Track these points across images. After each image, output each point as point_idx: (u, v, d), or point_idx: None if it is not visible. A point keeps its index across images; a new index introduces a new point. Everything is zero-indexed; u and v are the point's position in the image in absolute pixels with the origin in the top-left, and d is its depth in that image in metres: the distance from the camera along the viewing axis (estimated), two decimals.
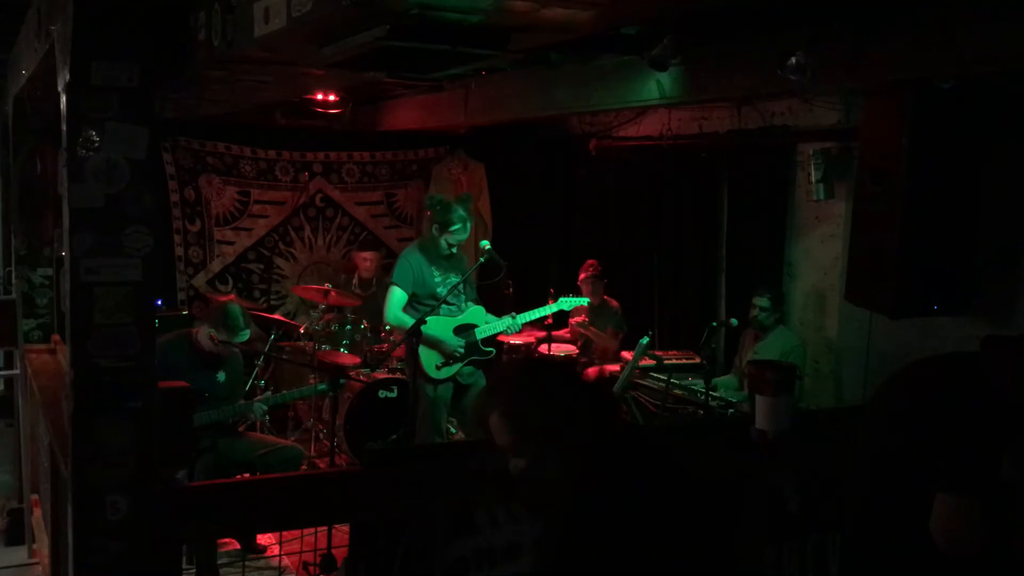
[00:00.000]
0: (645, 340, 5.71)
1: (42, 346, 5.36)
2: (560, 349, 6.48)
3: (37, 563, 4.85)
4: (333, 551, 3.96)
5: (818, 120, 5.73)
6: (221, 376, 4.84)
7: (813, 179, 5.70)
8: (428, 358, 5.24)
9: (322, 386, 5.23)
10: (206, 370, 4.77)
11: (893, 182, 4.03)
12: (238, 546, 4.73)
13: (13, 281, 5.71)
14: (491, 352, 5.52)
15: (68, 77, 2.71)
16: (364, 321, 6.68)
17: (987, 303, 4.57)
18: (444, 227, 5.21)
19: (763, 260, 6.23)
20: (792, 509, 3.51)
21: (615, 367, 6.23)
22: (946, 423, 2.38)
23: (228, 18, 2.86)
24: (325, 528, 3.88)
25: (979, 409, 2.38)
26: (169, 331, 5.09)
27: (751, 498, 3.46)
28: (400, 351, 5.87)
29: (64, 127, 2.72)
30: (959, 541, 2.33)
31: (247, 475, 4.68)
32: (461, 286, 5.34)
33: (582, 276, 6.62)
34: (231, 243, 7.49)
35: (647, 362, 5.81)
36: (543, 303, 6.08)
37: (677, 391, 5.53)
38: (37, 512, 5.02)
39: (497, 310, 5.63)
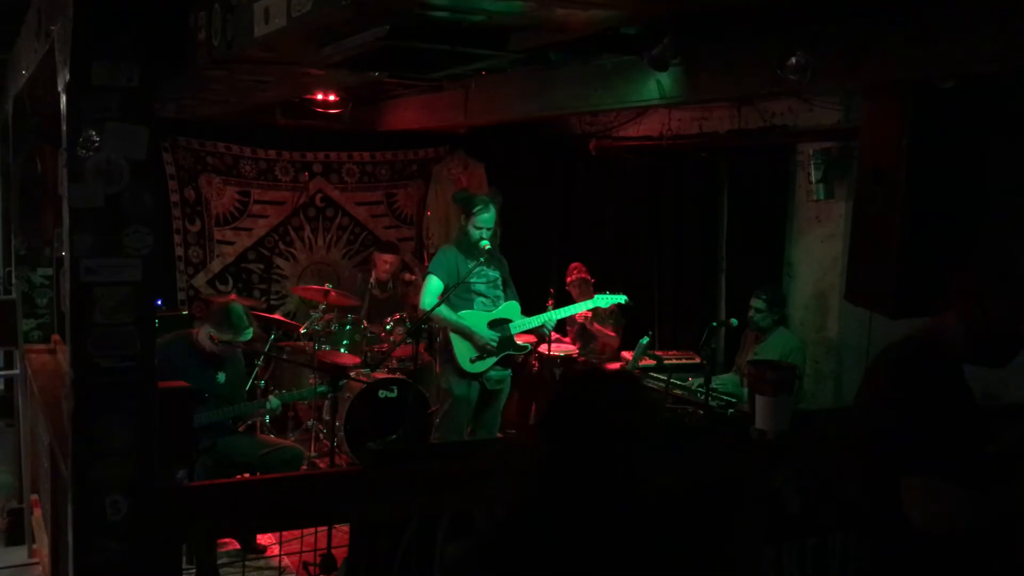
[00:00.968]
0: (645, 340, 5.72)
1: (42, 346, 5.36)
2: (559, 349, 6.48)
3: (37, 563, 4.85)
4: (333, 551, 3.96)
5: (818, 120, 5.73)
6: (221, 377, 4.84)
7: (813, 179, 5.70)
8: (462, 351, 5.29)
9: (321, 388, 5.23)
10: (206, 370, 4.77)
11: (893, 182, 4.02)
12: (238, 546, 4.73)
13: (13, 281, 5.71)
14: (526, 348, 5.60)
15: (68, 77, 2.71)
16: (364, 321, 6.68)
17: None
18: (469, 213, 5.32)
19: (763, 260, 6.23)
20: (792, 509, 3.51)
21: (616, 367, 6.23)
22: (903, 404, 2.39)
23: (228, 18, 2.86)
24: (325, 528, 3.88)
25: (935, 387, 2.40)
26: (169, 331, 5.10)
27: (751, 498, 3.46)
28: (407, 351, 5.89)
29: (64, 127, 2.73)
30: (932, 523, 2.35)
31: (247, 475, 4.68)
32: (499, 281, 5.44)
33: (569, 280, 6.65)
34: (231, 243, 7.48)
35: (647, 362, 5.81)
36: (543, 302, 6.09)
37: (677, 391, 5.53)
38: (37, 512, 5.02)
39: None
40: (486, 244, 5.36)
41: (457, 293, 5.30)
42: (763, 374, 3.47)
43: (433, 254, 7.87)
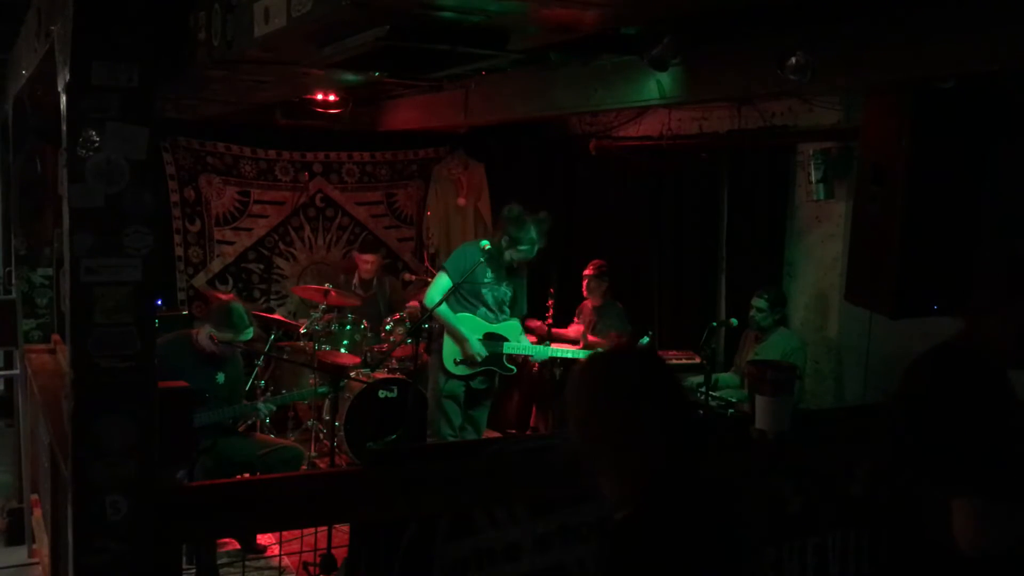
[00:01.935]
0: (645, 340, 5.72)
1: (42, 346, 5.36)
2: (560, 349, 6.47)
3: (37, 563, 4.85)
4: (333, 551, 3.96)
5: (818, 120, 5.73)
6: (220, 377, 4.84)
7: (813, 179, 5.70)
8: (449, 350, 5.27)
9: (322, 388, 5.23)
10: (206, 370, 4.77)
11: (893, 182, 4.02)
12: (238, 546, 4.73)
13: (13, 281, 5.71)
14: (512, 370, 5.50)
15: (68, 77, 2.71)
16: (364, 321, 6.68)
17: None
18: (513, 243, 5.19)
19: (763, 260, 6.23)
20: (792, 509, 3.51)
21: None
22: (950, 412, 2.29)
23: (228, 18, 2.86)
24: (325, 528, 3.87)
25: (981, 394, 2.30)
26: (169, 331, 5.10)
27: (751, 498, 3.46)
28: (407, 351, 5.89)
29: (64, 127, 2.72)
30: (988, 546, 2.24)
31: (247, 475, 4.68)
32: (508, 300, 5.36)
33: (587, 272, 6.60)
34: (231, 243, 7.48)
35: None
36: (543, 302, 6.08)
37: None
38: (37, 512, 5.02)
39: None
40: (486, 244, 5.34)
41: (464, 296, 5.25)
42: (763, 374, 3.47)
43: (433, 254, 7.92)
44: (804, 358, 5.57)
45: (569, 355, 5.66)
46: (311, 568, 4.25)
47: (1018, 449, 2.30)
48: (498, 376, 5.52)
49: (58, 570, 3.96)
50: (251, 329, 4.83)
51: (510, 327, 5.43)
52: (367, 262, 7.09)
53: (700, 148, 6.60)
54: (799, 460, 3.52)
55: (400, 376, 6.14)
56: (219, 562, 4.49)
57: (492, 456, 3.37)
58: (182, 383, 3.17)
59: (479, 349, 5.25)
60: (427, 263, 7.87)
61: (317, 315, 6.58)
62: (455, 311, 5.25)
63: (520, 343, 5.44)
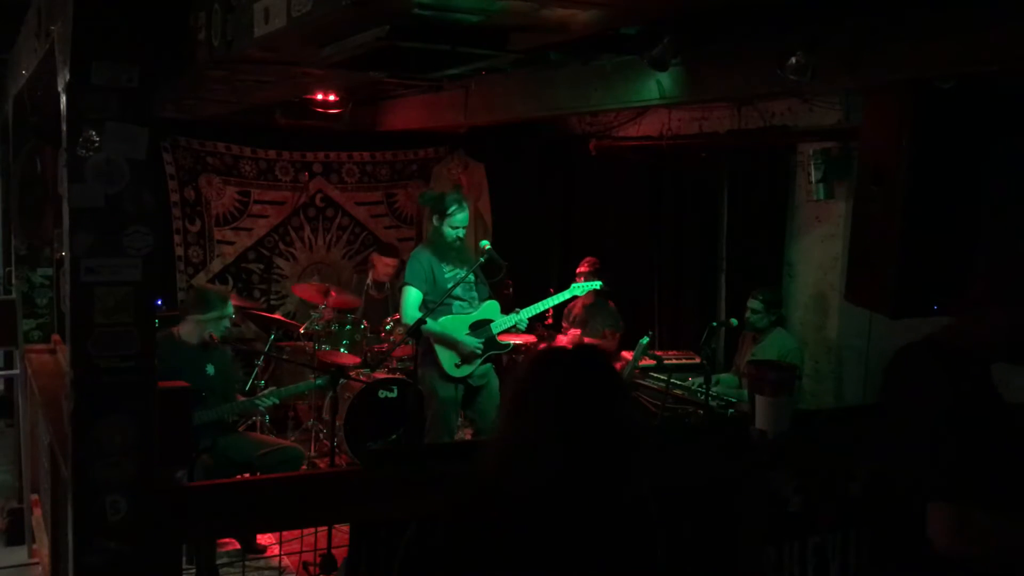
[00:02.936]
0: (645, 340, 5.72)
1: (42, 346, 5.36)
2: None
3: (37, 563, 4.85)
4: (333, 551, 3.96)
5: (818, 120, 5.73)
6: (211, 369, 4.83)
7: (813, 179, 5.69)
8: (446, 357, 5.25)
9: (319, 380, 5.23)
10: (196, 365, 4.75)
11: (893, 182, 4.02)
12: (238, 546, 4.73)
13: (13, 281, 5.71)
14: (508, 346, 5.54)
15: (68, 77, 2.71)
16: (364, 321, 6.68)
17: None
18: (443, 214, 5.21)
19: (763, 260, 6.23)
20: (792, 509, 3.51)
21: (615, 367, 6.22)
22: (929, 409, 2.27)
23: (228, 18, 2.86)
24: (325, 528, 3.87)
25: (963, 390, 2.26)
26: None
27: (751, 498, 3.46)
28: (407, 351, 5.87)
29: (64, 127, 2.72)
30: (961, 551, 2.23)
31: (247, 475, 4.68)
32: (472, 281, 5.33)
33: (580, 270, 6.62)
34: (231, 243, 7.49)
35: (647, 362, 5.81)
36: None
37: (677, 391, 5.53)
38: (37, 512, 5.02)
39: None
40: (486, 244, 5.34)
41: (435, 300, 5.20)
42: (763, 374, 3.47)
43: None
44: (801, 359, 5.57)
45: (542, 307, 5.75)
46: (311, 568, 4.25)
47: (999, 449, 2.27)
48: (492, 368, 5.51)
49: (58, 570, 3.96)
50: (230, 304, 4.87)
51: (488, 308, 5.44)
52: (388, 265, 7.09)
53: (700, 148, 6.59)
54: (799, 460, 3.52)
55: (400, 376, 6.14)
56: (219, 562, 4.49)
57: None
58: (181, 383, 3.17)
59: (473, 343, 5.26)
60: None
61: (317, 315, 6.58)
62: (435, 318, 5.19)
63: (503, 318, 5.45)
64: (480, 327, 5.36)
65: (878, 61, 3.41)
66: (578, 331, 6.56)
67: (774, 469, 3.49)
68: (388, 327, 6.48)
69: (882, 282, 4.13)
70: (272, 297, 7.66)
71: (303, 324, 6.62)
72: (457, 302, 5.29)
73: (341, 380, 5.27)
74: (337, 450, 5.43)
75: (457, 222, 5.22)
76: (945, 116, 3.94)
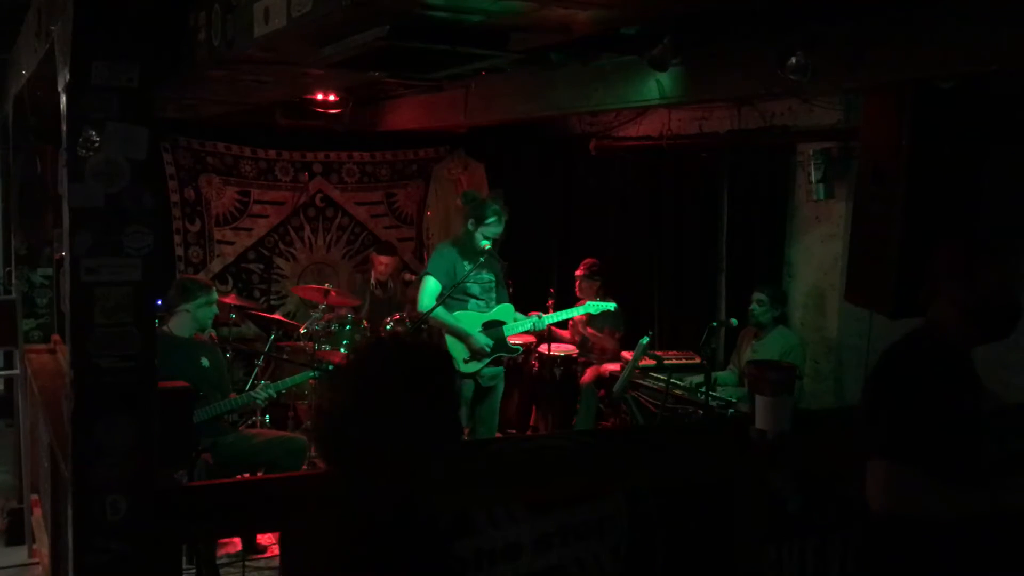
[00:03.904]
0: (645, 340, 5.72)
1: (42, 346, 5.36)
2: (560, 349, 6.48)
3: (37, 563, 4.85)
4: None
5: (818, 120, 5.73)
6: (205, 362, 4.81)
7: (813, 179, 5.70)
8: (456, 351, 5.31)
9: (313, 372, 5.25)
10: (190, 358, 4.73)
11: (893, 182, 4.02)
12: (239, 546, 4.73)
13: (13, 281, 5.71)
14: (518, 350, 5.59)
15: (68, 77, 2.71)
16: (365, 321, 6.68)
17: None
18: (479, 221, 5.30)
19: (763, 260, 6.23)
20: (792, 509, 3.51)
21: (615, 367, 6.23)
22: (884, 389, 2.41)
23: (228, 18, 2.87)
24: None
25: (933, 372, 2.39)
26: None
27: (751, 498, 3.46)
28: None
29: (64, 127, 2.72)
30: (890, 507, 2.34)
31: (247, 475, 4.68)
32: (492, 284, 5.44)
33: (578, 273, 6.64)
34: (231, 243, 7.48)
35: (647, 362, 5.82)
36: (543, 302, 6.09)
37: (677, 391, 5.53)
38: (37, 512, 5.02)
39: None
40: (486, 244, 5.35)
41: (452, 294, 5.31)
42: (763, 374, 3.47)
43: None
44: (802, 357, 5.57)
45: (565, 316, 5.92)
46: None
47: (963, 427, 2.39)
48: (503, 373, 5.57)
49: (58, 570, 3.96)
50: (214, 289, 4.88)
51: (503, 311, 5.53)
52: (383, 263, 7.11)
53: (700, 148, 6.60)
54: (799, 460, 3.52)
55: None
56: (219, 562, 4.49)
57: (492, 456, 3.38)
58: (181, 383, 3.18)
59: (483, 340, 5.34)
60: (427, 263, 7.87)
61: (317, 315, 6.58)
62: (449, 311, 5.29)
63: (518, 321, 5.55)
64: (492, 327, 5.42)
65: (878, 61, 3.42)
66: (578, 336, 6.61)
67: (774, 469, 3.49)
68: (388, 327, 6.47)
69: (882, 282, 4.13)
70: (272, 297, 7.65)
71: (303, 324, 6.62)
72: (473, 300, 5.40)
73: None
74: None
75: (491, 233, 5.32)
76: (945, 116, 3.94)
